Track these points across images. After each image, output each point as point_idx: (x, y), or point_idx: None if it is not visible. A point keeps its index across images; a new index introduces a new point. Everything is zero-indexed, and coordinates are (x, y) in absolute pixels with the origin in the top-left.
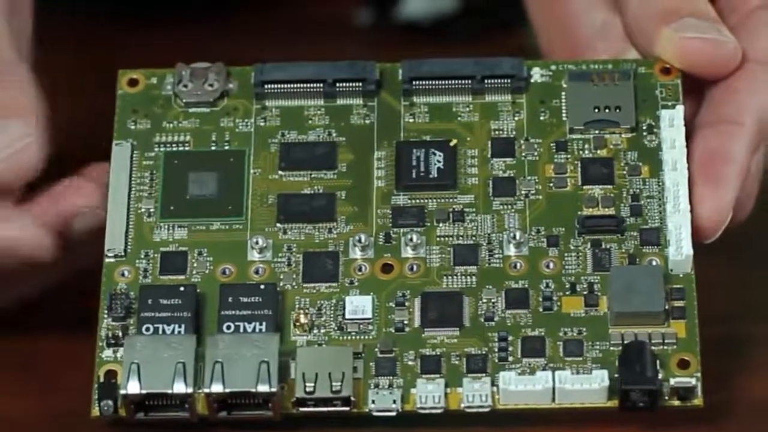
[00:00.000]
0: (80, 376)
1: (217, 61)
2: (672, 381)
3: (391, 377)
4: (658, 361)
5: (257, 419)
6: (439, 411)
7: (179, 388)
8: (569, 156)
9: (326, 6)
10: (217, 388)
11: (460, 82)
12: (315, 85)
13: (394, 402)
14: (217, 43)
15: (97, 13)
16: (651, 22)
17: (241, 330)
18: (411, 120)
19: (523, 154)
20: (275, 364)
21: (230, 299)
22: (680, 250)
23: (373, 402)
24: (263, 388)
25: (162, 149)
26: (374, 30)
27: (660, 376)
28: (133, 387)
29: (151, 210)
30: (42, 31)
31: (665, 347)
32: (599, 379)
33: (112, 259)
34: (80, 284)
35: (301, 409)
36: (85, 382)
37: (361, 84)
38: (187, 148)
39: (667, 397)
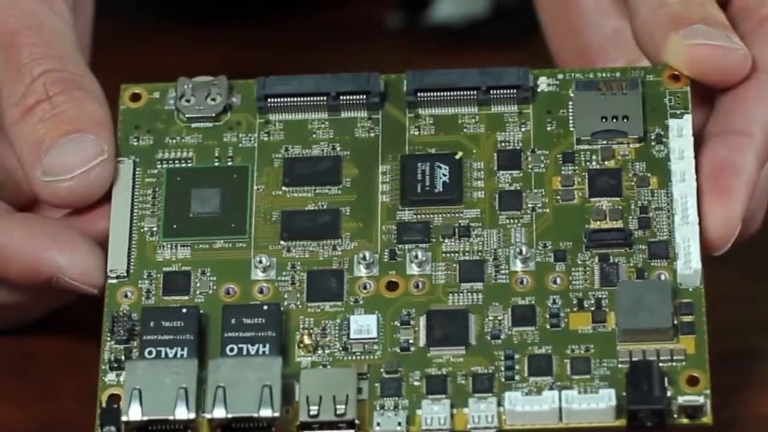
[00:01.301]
0: (77, 384)
1: (253, 67)
2: (680, 399)
3: (396, 398)
4: (666, 380)
5: None
6: None
7: (181, 413)
8: (576, 168)
9: (357, 9)
10: (219, 413)
11: (465, 93)
12: (318, 98)
13: (399, 424)
14: (248, 49)
15: (118, 19)
16: (660, 29)
17: (245, 352)
18: (416, 132)
19: (530, 166)
20: (278, 388)
21: (233, 321)
22: (689, 263)
23: (378, 424)
24: (266, 412)
25: (164, 166)
26: (406, 33)
27: (668, 394)
28: (134, 413)
29: (154, 229)
30: None
31: (674, 363)
32: (606, 399)
33: (114, 280)
34: None
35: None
36: (83, 390)
37: (365, 96)
38: (189, 165)
39: (675, 416)
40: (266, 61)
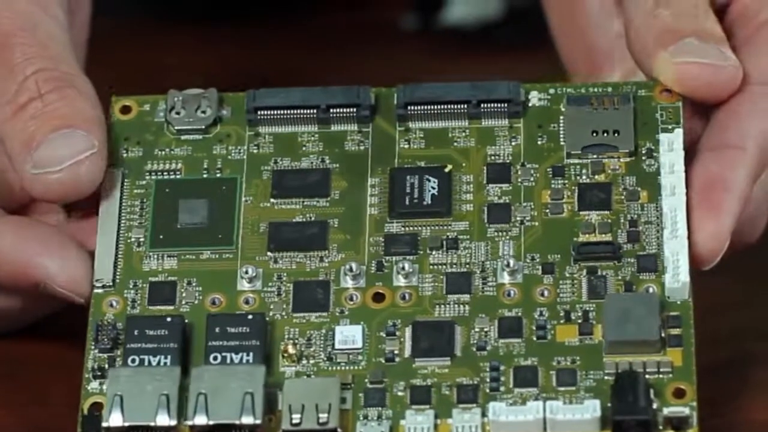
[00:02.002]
0: (68, 389)
1: (263, 68)
2: (666, 411)
3: (380, 408)
4: (652, 391)
5: None
6: None
7: (162, 420)
8: (566, 181)
9: (371, 11)
10: (200, 420)
11: (456, 106)
12: (308, 111)
13: None
14: (248, 49)
15: (118, 18)
16: (650, 43)
17: (228, 361)
18: (406, 146)
19: (519, 179)
20: (260, 395)
21: (217, 329)
22: (677, 277)
23: None
24: (247, 419)
25: (153, 177)
26: (420, 35)
27: (654, 405)
28: (115, 419)
29: (141, 239)
30: None
31: (660, 376)
32: (591, 409)
33: (100, 290)
34: None
35: None
36: (73, 396)
37: (355, 109)
38: (178, 176)
39: (661, 427)
40: (267, 61)
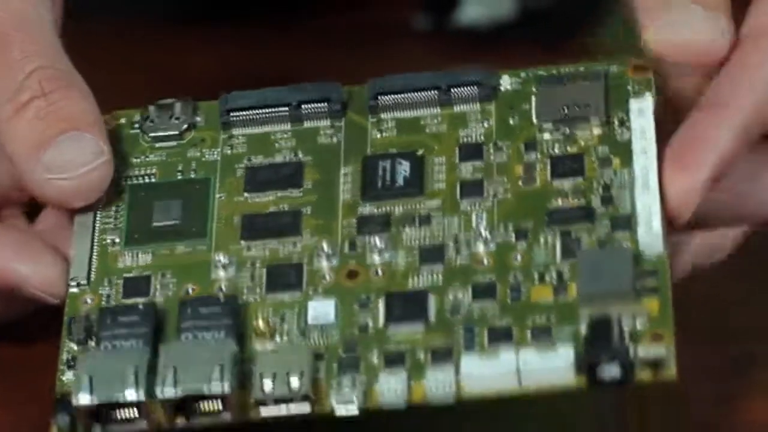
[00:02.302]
0: None
1: (263, 68)
2: (641, 352)
3: (353, 375)
4: (627, 335)
5: (217, 424)
6: (402, 406)
7: (131, 395)
8: (539, 154)
9: (383, 11)
10: (169, 392)
11: (426, 93)
12: (280, 109)
13: (356, 398)
14: (261, 50)
15: (117, 19)
16: (641, 13)
17: (200, 338)
18: (378, 135)
19: (492, 157)
20: (229, 365)
21: (189, 311)
22: (650, 230)
23: (334, 400)
24: (216, 388)
25: (128, 183)
26: (431, 36)
27: (630, 351)
28: (84, 398)
29: (116, 240)
30: None
31: (637, 326)
32: (565, 356)
33: (75, 289)
34: None
35: (262, 409)
36: None
37: (326, 104)
38: (153, 180)
39: (638, 369)
40: (267, 61)
